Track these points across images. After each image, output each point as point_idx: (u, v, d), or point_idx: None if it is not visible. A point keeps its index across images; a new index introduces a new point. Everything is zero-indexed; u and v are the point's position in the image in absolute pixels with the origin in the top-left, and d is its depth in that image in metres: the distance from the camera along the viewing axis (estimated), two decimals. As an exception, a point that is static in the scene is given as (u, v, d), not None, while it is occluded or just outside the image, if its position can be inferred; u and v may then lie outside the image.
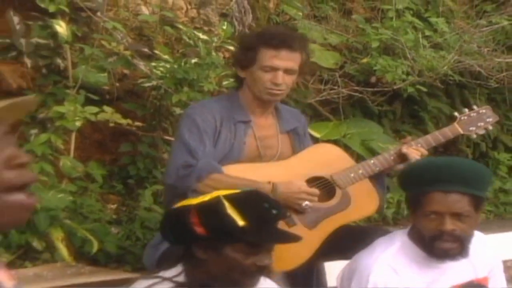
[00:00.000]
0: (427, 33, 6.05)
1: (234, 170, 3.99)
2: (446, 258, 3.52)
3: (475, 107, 4.53)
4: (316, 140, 5.01)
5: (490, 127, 4.55)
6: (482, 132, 4.49)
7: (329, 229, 4.05)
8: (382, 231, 3.95)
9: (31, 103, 1.79)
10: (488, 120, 4.45)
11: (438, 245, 3.47)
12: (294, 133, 4.28)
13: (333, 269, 4.12)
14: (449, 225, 3.44)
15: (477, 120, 4.42)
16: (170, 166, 4.14)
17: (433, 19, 6.21)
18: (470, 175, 3.55)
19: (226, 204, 3.04)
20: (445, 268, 3.56)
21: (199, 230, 3.03)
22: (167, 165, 4.34)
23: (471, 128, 4.40)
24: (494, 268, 3.74)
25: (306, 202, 3.92)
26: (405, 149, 4.17)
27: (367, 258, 3.56)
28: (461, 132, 4.39)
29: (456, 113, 4.48)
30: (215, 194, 3.16)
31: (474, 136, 4.53)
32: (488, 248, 3.70)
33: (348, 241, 3.91)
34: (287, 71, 4.02)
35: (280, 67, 4.01)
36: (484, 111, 4.47)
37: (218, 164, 3.97)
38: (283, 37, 4.12)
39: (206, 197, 3.15)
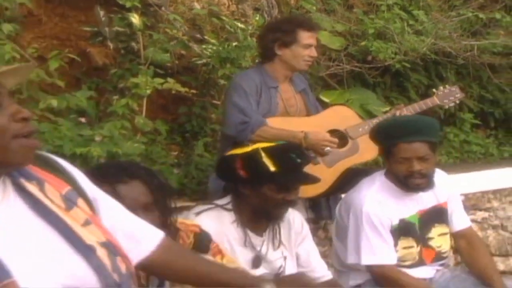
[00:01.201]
0: (411, 22, 6.00)
1: (275, 123, 4.02)
2: (418, 191, 3.56)
3: (447, 86, 4.61)
4: (325, 104, 5.02)
5: (457, 101, 4.61)
6: (452, 104, 4.59)
7: (341, 168, 4.11)
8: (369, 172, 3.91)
9: (30, 68, 1.80)
10: (457, 95, 4.53)
11: (411, 182, 3.52)
12: (304, 92, 4.33)
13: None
14: (417, 166, 3.49)
15: (449, 95, 4.49)
16: (228, 122, 4.14)
17: (415, 12, 6.15)
18: (426, 128, 3.59)
19: (262, 154, 3.05)
20: (414, 197, 3.61)
21: (242, 173, 3.07)
22: (224, 121, 4.30)
23: (445, 101, 4.48)
24: (451, 196, 3.76)
25: (328, 148, 3.97)
26: (398, 113, 4.24)
27: (357, 196, 3.61)
28: (438, 103, 4.46)
29: (434, 90, 4.59)
30: (255, 146, 3.17)
31: (447, 106, 4.59)
32: (447, 181, 3.73)
33: (353, 179, 3.88)
34: (315, 48, 4.16)
35: (313, 44, 4.14)
36: (454, 89, 4.54)
37: (264, 119, 4.00)
38: (311, 21, 4.34)
39: (248, 148, 3.17)
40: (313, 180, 3.30)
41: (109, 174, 2.41)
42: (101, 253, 1.71)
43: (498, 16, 6.40)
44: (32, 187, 1.72)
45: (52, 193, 1.74)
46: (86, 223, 1.74)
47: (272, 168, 3.03)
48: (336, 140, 4.05)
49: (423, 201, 3.65)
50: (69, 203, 1.75)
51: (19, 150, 1.64)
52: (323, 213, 4.36)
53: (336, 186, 4.10)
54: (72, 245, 1.68)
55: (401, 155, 3.48)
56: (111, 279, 1.70)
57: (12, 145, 1.63)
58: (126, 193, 2.37)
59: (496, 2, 6.69)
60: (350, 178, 3.97)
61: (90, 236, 1.72)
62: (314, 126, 4.12)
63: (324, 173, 3.89)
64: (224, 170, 3.25)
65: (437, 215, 3.70)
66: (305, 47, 4.12)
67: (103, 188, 2.00)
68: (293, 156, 3.11)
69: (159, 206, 2.45)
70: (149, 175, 2.51)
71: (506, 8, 6.72)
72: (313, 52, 4.15)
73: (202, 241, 2.64)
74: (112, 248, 1.75)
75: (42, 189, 1.73)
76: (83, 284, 1.66)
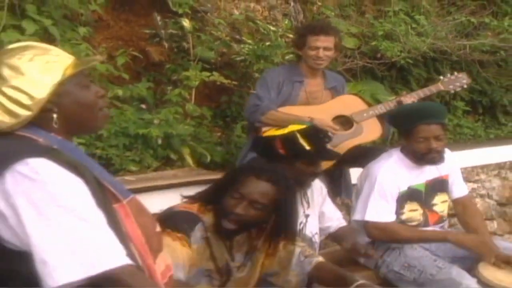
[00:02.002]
0: (413, 25, 5.95)
1: (286, 109, 3.96)
2: (434, 164, 3.57)
3: (455, 73, 4.42)
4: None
5: (465, 86, 4.42)
6: (459, 89, 4.41)
7: (346, 148, 4.03)
8: (380, 150, 3.90)
9: (97, 61, 1.98)
10: (463, 81, 4.35)
11: (428, 158, 3.52)
12: (334, 90, 4.23)
13: (354, 172, 4.16)
14: (434, 144, 3.49)
15: (455, 81, 4.33)
16: (246, 106, 4.22)
17: (417, 17, 6.10)
18: (440, 112, 3.62)
19: (298, 136, 3.09)
20: (422, 169, 3.62)
21: (281, 151, 3.10)
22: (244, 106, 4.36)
23: (450, 86, 4.32)
24: (452, 169, 3.76)
25: (330, 133, 3.85)
26: (402, 98, 4.14)
27: (375, 166, 3.61)
28: (442, 88, 4.31)
29: (441, 77, 4.43)
30: (290, 129, 3.18)
31: (452, 91, 4.47)
32: (449, 157, 3.71)
33: (360, 155, 3.94)
34: (325, 49, 4.00)
35: (321, 46, 4.00)
36: (461, 75, 4.37)
37: (274, 105, 3.94)
38: (320, 27, 4.12)
39: (285, 131, 3.18)
40: (335, 156, 3.34)
41: None
42: None
43: (487, 20, 6.35)
44: None
45: None
46: None
47: (307, 147, 3.07)
48: (336, 126, 3.95)
49: (429, 173, 3.66)
50: None
51: (102, 119, 1.81)
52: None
53: (347, 161, 4.05)
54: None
55: (421, 135, 3.48)
56: None
57: (99, 115, 1.79)
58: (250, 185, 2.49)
59: (485, 8, 6.63)
60: (358, 155, 3.98)
61: None
62: (324, 112, 4.06)
63: None
64: (263, 148, 3.25)
65: (440, 185, 3.71)
66: (312, 49, 4.02)
67: None
68: (321, 137, 3.16)
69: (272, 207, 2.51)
70: (282, 180, 2.56)
71: (494, 13, 6.67)
72: (319, 53, 4.01)
73: None
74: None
75: None
76: None
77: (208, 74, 4.70)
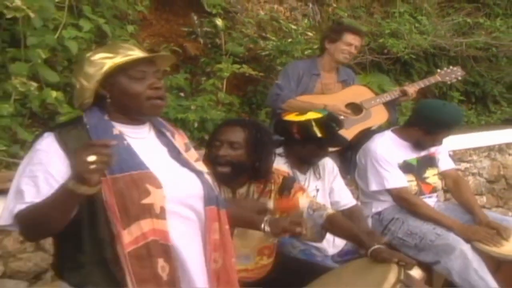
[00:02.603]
0: (416, 25, 5.93)
1: (304, 98, 3.97)
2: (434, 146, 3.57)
3: (450, 67, 4.44)
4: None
5: (460, 78, 4.43)
6: (454, 80, 4.41)
7: (356, 130, 4.03)
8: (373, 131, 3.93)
9: (171, 58, 1.98)
10: (458, 74, 4.37)
11: (429, 145, 3.55)
12: (345, 83, 4.24)
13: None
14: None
15: (451, 74, 4.34)
16: (268, 95, 4.22)
17: (419, 17, 6.07)
18: (460, 121, 3.65)
19: (313, 124, 3.07)
20: (412, 147, 3.57)
21: (297, 136, 3.10)
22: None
23: (447, 78, 4.33)
24: (439, 148, 3.70)
25: (342, 117, 3.87)
26: (406, 87, 4.17)
27: (371, 144, 3.57)
28: (440, 79, 4.33)
29: (438, 70, 4.45)
30: (308, 116, 3.14)
31: (449, 82, 4.45)
32: None
33: (368, 138, 3.82)
34: (356, 47, 4.09)
35: (353, 43, 4.07)
36: (456, 68, 4.39)
37: (293, 94, 3.96)
38: (358, 28, 4.32)
39: (302, 118, 3.15)
40: (344, 142, 3.33)
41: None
42: (207, 176, 1.90)
43: (481, 21, 6.31)
44: (168, 134, 1.93)
45: (178, 140, 1.94)
46: (197, 160, 1.94)
47: (319, 135, 3.06)
48: (349, 111, 3.97)
49: (419, 151, 3.62)
50: (188, 147, 1.95)
51: (150, 107, 1.83)
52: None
53: (354, 144, 4.00)
54: (189, 169, 1.87)
55: (441, 137, 3.49)
56: (212, 192, 1.89)
57: (145, 104, 1.82)
58: (224, 132, 2.52)
59: (479, 10, 6.59)
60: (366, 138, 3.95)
61: (200, 167, 1.91)
62: (338, 100, 4.06)
63: (343, 134, 3.89)
64: (282, 129, 3.25)
65: (429, 161, 3.66)
66: (346, 45, 4.06)
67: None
68: (333, 125, 3.14)
69: (249, 148, 2.48)
70: (250, 125, 2.57)
71: (487, 15, 6.62)
72: (352, 49, 4.08)
73: (288, 182, 2.65)
74: (212, 176, 1.95)
75: (173, 136, 1.94)
76: (196, 193, 1.85)
77: (238, 66, 4.72)
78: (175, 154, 1.90)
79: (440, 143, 3.54)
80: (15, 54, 3.73)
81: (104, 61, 1.81)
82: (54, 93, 3.70)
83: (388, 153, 3.51)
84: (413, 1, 6.35)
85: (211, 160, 2.49)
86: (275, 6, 5.60)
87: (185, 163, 1.88)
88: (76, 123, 1.83)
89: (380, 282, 2.14)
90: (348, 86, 4.23)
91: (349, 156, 4.24)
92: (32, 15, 3.45)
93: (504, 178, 5.72)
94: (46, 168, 1.71)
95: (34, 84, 3.57)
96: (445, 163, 3.76)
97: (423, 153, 3.63)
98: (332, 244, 3.16)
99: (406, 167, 3.55)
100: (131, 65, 1.81)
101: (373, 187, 3.51)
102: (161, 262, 1.71)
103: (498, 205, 5.59)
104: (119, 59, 1.81)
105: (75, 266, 1.73)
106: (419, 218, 3.44)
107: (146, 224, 1.71)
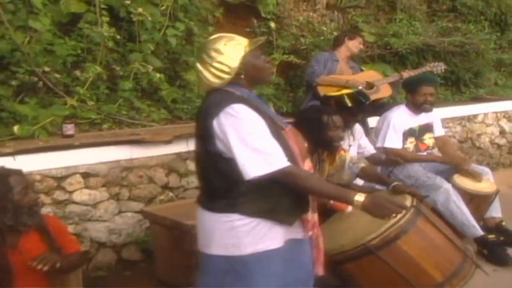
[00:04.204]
0: (411, 28, 5.75)
1: (332, 76, 3.97)
2: (426, 111, 3.51)
3: (437, 62, 4.37)
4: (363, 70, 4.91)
5: (443, 70, 4.35)
6: (439, 71, 4.31)
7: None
8: (390, 104, 3.91)
9: (261, 41, 1.78)
10: (443, 67, 4.30)
11: (423, 107, 3.49)
12: (353, 69, 4.20)
13: (371, 119, 4.08)
14: (429, 97, 3.44)
15: (438, 66, 4.27)
16: (306, 72, 4.18)
17: (413, 22, 5.89)
18: (434, 79, 3.67)
19: (346, 97, 3.02)
20: (418, 117, 3.56)
21: (334, 106, 3.00)
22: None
23: (435, 69, 4.25)
24: (435, 118, 3.69)
25: (360, 87, 3.80)
26: (403, 73, 4.17)
27: (390, 113, 3.56)
28: (429, 69, 4.24)
29: (428, 64, 4.41)
30: (343, 92, 3.14)
31: (435, 72, 4.32)
32: (434, 111, 3.66)
33: (377, 107, 3.87)
34: (364, 43, 4.13)
35: (362, 42, 4.11)
36: (441, 63, 4.33)
37: (323, 73, 3.94)
38: (360, 35, 4.30)
39: (338, 93, 3.14)
40: (369, 110, 3.28)
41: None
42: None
43: (458, 25, 6.09)
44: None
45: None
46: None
47: (349, 104, 3.02)
48: (364, 83, 3.93)
49: (422, 120, 3.61)
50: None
51: (270, 75, 1.82)
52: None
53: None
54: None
55: (423, 91, 3.44)
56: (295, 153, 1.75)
57: (268, 73, 1.80)
58: None
59: (457, 18, 6.35)
60: (376, 107, 3.89)
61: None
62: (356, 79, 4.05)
63: None
64: (322, 102, 3.26)
65: (427, 127, 3.66)
66: (360, 43, 4.12)
67: None
68: (361, 98, 3.08)
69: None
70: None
71: (463, 21, 6.36)
72: (361, 45, 4.20)
73: None
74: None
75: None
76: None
77: (287, 56, 4.67)
78: (270, 122, 1.76)
79: (430, 103, 3.46)
80: (132, 47, 3.80)
81: (240, 46, 1.73)
82: (157, 75, 3.75)
83: (398, 120, 3.51)
84: (409, 10, 6.15)
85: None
86: (311, 13, 5.50)
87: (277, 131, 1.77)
88: (237, 96, 1.67)
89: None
90: (355, 72, 4.21)
91: (361, 118, 4.25)
92: (149, 18, 3.48)
93: (470, 140, 5.67)
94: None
95: (150, 67, 3.63)
96: (439, 131, 3.74)
97: (424, 122, 3.60)
98: None
99: (410, 133, 3.57)
100: (256, 47, 1.76)
101: (379, 143, 3.53)
102: None
103: (466, 159, 5.51)
104: (248, 44, 1.74)
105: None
106: (410, 163, 3.44)
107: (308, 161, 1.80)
